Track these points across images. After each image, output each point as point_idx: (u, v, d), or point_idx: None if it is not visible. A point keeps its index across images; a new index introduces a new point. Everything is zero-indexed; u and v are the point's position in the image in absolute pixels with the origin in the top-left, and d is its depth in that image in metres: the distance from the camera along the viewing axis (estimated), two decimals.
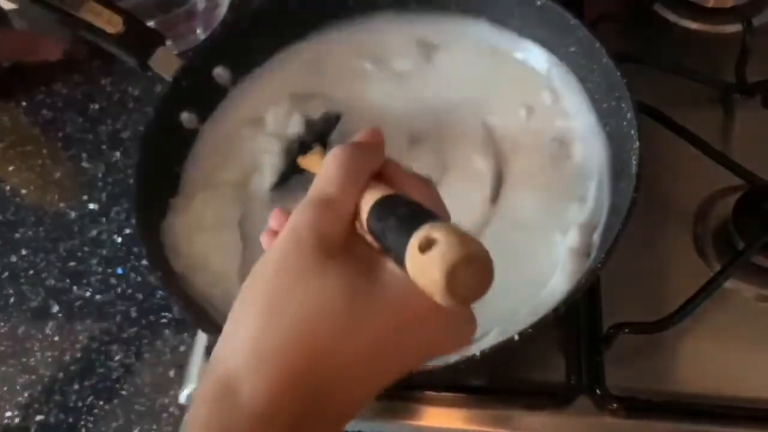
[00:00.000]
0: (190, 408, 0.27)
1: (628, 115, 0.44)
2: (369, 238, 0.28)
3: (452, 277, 0.22)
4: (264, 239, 0.34)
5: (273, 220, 0.34)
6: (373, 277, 0.27)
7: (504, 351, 0.37)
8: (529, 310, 0.40)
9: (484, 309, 0.39)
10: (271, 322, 0.26)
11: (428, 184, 0.32)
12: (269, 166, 0.49)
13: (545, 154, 0.48)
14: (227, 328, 0.28)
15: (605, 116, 0.48)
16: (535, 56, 0.52)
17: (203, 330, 0.45)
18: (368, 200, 0.28)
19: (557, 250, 0.43)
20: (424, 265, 0.23)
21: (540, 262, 0.43)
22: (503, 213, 0.47)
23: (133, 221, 0.57)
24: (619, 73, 0.45)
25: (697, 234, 0.48)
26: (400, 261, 0.24)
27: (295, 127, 0.50)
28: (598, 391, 0.42)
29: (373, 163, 0.30)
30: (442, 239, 0.23)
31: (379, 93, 0.53)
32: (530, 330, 0.37)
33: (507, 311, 0.41)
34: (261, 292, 0.27)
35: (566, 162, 0.48)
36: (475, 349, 0.37)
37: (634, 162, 0.42)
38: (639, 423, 0.42)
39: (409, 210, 0.26)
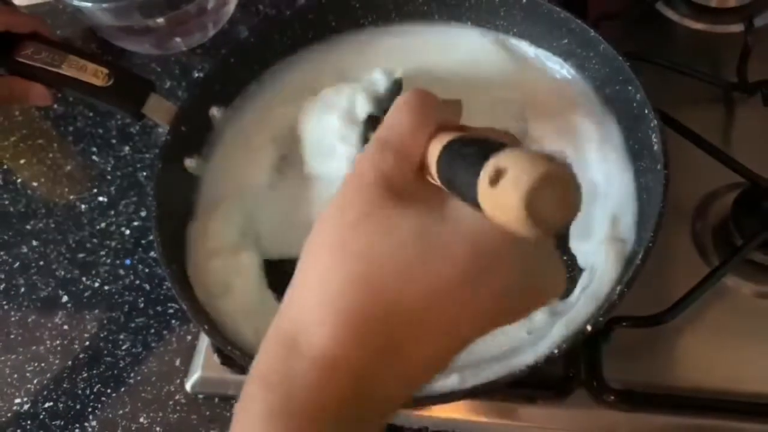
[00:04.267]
0: (255, 358, 0.25)
1: (638, 96, 0.44)
2: (442, 186, 0.26)
3: (530, 201, 0.20)
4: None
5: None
6: (444, 216, 0.25)
7: (576, 343, 0.38)
8: (584, 301, 0.41)
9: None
10: (335, 263, 0.24)
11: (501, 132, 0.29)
12: (346, 158, 0.45)
13: (561, 145, 0.48)
14: (293, 279, 0.26)
15: (611, 100, 0.48)
16: (527, 52, 0.53)
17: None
18: (436, 147, 0.26)
19: (592, 238, 0.44)
20: (498, 198, 0.21)
21: (580, 250, 0.44)
22: None
23: (143, 214, 0.59)
24: (621, 58, 0.46)
25: (697, 231, 0.49)
26: (474, 202, 0.22)
27: (362, 108, 0.46)
28: (595, 384, 0.43)
29: (444, 111, 0.28)
30: (511, 165, 0.20)
31: None
32: (600, 319, 0.38)
33: (564, 304, 0.42)
34: (326, 235, 0.25)
35: (581, 147, 0.48)
36: (547, 349, 0.38)
37: (655, 140, 0.42)
38: (636, 416, 0.42)
39: (476, 147, 0.23)
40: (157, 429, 0.48)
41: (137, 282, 0.55)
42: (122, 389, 0.51)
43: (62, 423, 0.50)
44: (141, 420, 0.49)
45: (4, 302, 0.56)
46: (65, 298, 0.55)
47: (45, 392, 0.51)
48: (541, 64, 0.52)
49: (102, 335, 0.53)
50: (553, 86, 0.51)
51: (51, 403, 0.51)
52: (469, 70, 0.52)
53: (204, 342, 0.50)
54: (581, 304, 0.41)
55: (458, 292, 0.24)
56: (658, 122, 0.43)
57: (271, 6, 0.70)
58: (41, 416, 0.50)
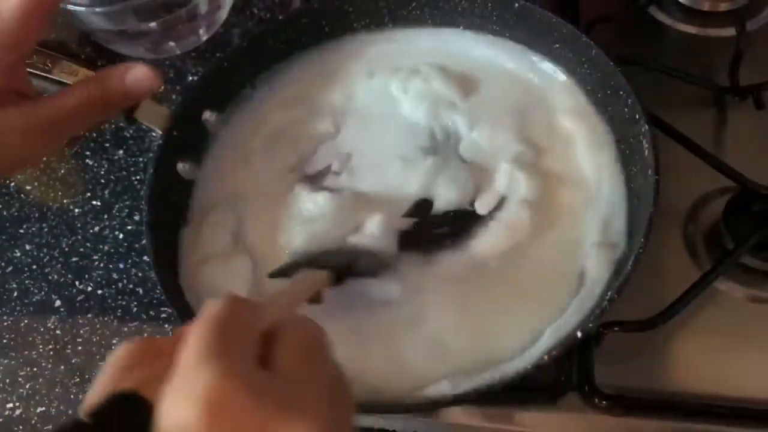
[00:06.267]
0: None
1: (629, 100, 0.45)
2: None
3: None
4: None
5: None
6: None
7: (567, 348, 0.38)
8: (575, 306, 0.41)
9: (532, 314, 0.42)
10: None
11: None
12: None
13: (553, 149, 0.49)
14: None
15: (602, 104, 0.49)
16: (519, 56, 0.53)
17: None
18: None
19: (583, 242, 0.44)
20: None
21: (571, 254, 0.44)
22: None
23: (136, 219, 0.59)
24: (611, 63, 0.46)
25: (688, 235, 0.49)
26: None
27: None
28: (587, 389, 0.43)
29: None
30: None
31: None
32: (591, 324, 0.38)
33: (554, 310, 0.42)
34: None
35: (572, 151, 0.48)
36: (538, 354, 0.39)
37: (646, 144, 0.42)
38: (628, 420, 0.42)
39: None
40: None
41: (130, 286, 0.55)
42: None
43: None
44: None
45: None
46: (58, 303, 0.55)
47: (37, 397, 0.51)
48: (533, 68, 0.52)
49: (95, 339, 0.53)
50: (544, 90, 0.51)
51: (43, 408, 0.51)
52: (461, 73, 0.53)
53: None
54: (572, 309, 0.41)
55: None
56: (650, 126, 0.43)
57: (265, 10, 0.70)
58: (33, 421, 0.50)
